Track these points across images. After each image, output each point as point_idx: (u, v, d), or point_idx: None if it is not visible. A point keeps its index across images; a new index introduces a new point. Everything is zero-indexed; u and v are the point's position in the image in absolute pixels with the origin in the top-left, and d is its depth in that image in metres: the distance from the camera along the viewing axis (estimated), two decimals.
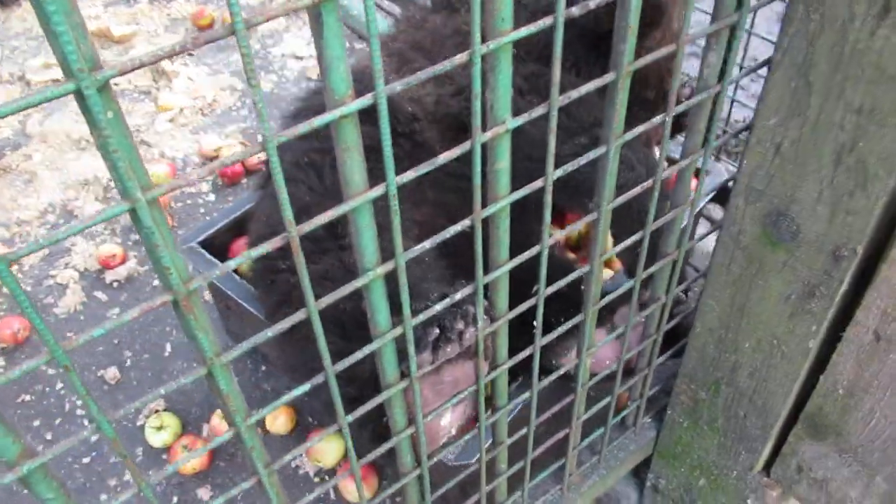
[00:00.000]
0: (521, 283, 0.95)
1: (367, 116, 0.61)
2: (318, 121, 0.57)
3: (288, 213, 0.60)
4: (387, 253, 0.71)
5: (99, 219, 0.50)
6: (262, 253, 1.18)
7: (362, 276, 0.72)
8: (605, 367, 1.24)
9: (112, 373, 1.90)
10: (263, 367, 1.92)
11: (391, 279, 0.73)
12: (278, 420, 1.75)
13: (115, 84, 2.80)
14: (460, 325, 0.88)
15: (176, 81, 2.82)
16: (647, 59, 0.77)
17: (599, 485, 1.42)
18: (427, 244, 0.73)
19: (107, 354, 1.95)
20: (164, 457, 1.73)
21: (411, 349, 0.81)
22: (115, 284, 2.12)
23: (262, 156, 2.45)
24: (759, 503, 1.31)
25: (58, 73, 2.81)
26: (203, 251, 1.72)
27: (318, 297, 0.68)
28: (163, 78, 2.84)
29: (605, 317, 1.36)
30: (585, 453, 1.42)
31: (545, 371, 1.07)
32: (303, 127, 0.56)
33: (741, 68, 1.97)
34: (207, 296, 2.10)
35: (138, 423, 1.79)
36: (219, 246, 1.79)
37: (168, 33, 3.09)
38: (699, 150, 0.98)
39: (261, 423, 1.78)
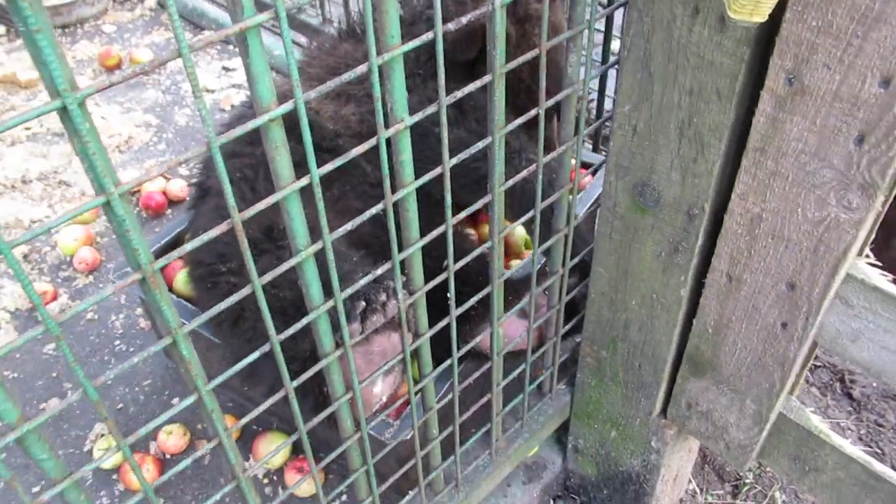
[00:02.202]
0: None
1: (292, 134, 0.74)
2: (251, 124, 0.71)
3: (231, 201, 0.73)
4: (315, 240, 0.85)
5: (76, 213, 0.63)
6: (202, 260, 1.30)
7: (295, 255, 0.85)
8: (519, 341, 1.41)
9: (53, 404, 1.94)
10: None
11: (322, 266, 0.87)
12: None
13: (27, 128, 2.83)
14: (383, 297, 1.02)
15: (97, 122, 2.86)
16: (516, 62, 0.94)
17: (524, 448, 1.58)
18: (349, 225, 0.87)
19: (46, 388, 1.99)
20: (115, 477, 1.79)
21: (342, 319, 0.95)
22: None
23: (185, 188, 2.54)
24: (659, 443, 1.49)
25: None
26: None
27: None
28: None
29: (512, 301, 1.53)
30: (509, 420, 1.58)
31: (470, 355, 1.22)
32: (238, 130, 0.70)
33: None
34: (144, 323, 2.17)
35: (85, 449, 1.84)
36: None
37: (76, 75, 3.13)
38: (572, 138, 1.16)
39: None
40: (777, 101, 0.93)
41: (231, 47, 3.25)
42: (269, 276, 0.81)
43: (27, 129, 2.83)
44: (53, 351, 2.10)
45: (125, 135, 2.81)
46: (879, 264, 1.03)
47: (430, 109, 0.88)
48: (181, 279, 1.88)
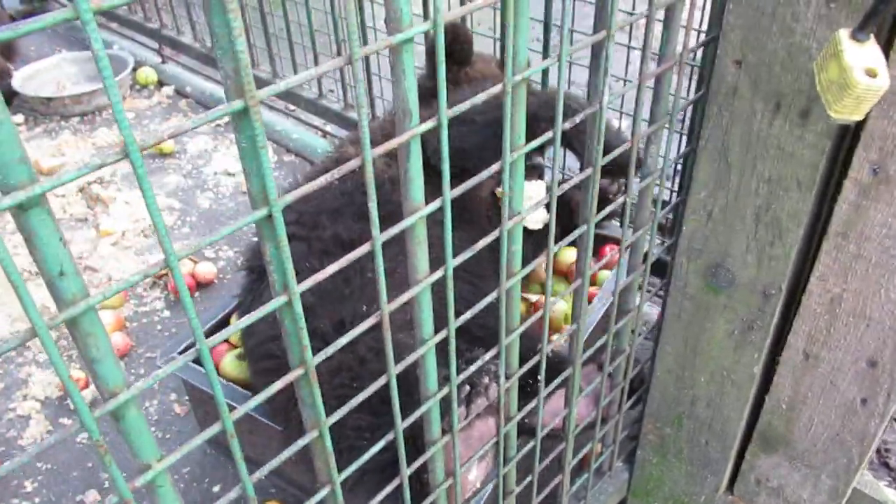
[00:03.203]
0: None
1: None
2: (404, 224, 0.75)
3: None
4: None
5: (268, 309, 0.65)
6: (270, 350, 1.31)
7: (420, 345, 0.88)
8: (581, 419, 1.42)
9: (91, 497, 1.90)
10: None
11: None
12: None
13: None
14: (486, 381, 1.05)
15: (113, 207, 2.90)
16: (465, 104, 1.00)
17: None
18: (469, 314, 0.91)
19: (82, 479, 1.96)
20: None
21: (454, 405, 0.97)
22: None
23: (213, 271, 2.56)
24: None
25: None
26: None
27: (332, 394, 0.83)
28: (98, 204, 2.92)
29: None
30: (571, 501, 1.58)
31: (524, 430, 1.23)
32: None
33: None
34: (179, 408, 2.15)
35: None
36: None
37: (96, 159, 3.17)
38: (647, 222, 1.21)
39: None
40: (861, 190, 0.99)
41: None
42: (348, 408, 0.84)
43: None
44: (87, 440, 2.06)
45: (149, 220, 2.83)
46: None
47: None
48: (228, 361, 1.88)
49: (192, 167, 3.15)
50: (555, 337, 1.98)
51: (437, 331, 0.88)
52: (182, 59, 3.77)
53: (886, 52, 0.87)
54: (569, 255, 2.19)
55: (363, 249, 0.71)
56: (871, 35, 0.83)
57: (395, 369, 0.83)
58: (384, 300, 0.77)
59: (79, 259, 2.67)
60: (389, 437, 0.89)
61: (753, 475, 1.39)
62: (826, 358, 1.16)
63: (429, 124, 0.71)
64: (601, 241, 2.20)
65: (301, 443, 0.77)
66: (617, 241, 2.23)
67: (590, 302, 1.92)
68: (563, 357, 1.61)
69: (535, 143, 0.86)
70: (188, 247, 0.59)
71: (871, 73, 0.82)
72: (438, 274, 0.83)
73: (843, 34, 0.84)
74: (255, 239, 1.88)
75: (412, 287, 0.83)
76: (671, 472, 1.53)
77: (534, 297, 2.09)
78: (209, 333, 1.90)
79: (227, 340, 1.95)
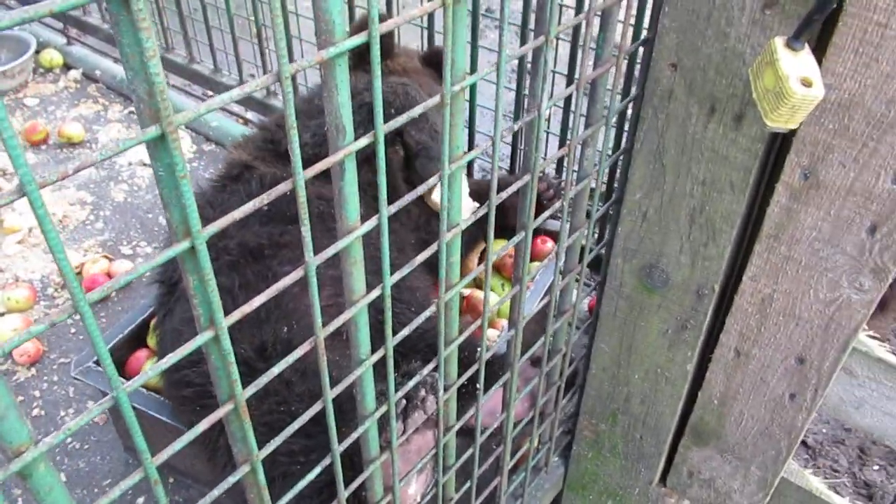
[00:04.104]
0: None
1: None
2: (340, 244, 0.70)
3: (316, 310, 0.72)
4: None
5: (189, 350, 0.60)
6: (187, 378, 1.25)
7: (357, 366, 0.84)
8: (518, 418, 1.41)
9: None
10: (171, 479, 1.90)
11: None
12: None
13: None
14: (422, 393, 1.02)
15: (18, 202, 2.71)
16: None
17: None
18: (406, 331, 0.87)
19: None
20: None
21: (393, 423, 0.93)
22: None
23: (131, 266, 2.43)
24: None
25: None
26: (100, 370, 1.71)
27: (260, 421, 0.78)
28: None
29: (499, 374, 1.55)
30: (509, 500, 1.57)
31: (462, 431, 1.21)
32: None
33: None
34: (99, 417, 2.04)
35: None
36: (115, 363, 1.78)
37: None
38: (584, 223, 1.20)
39: None
40: (792, 193, 1.00)
41: None
42: (251, 389, 0.80)
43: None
44: None
45: (59, 214, 2.67)
46: (878, 336, 1.11)
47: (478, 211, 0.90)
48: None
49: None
50: (490, 332, 1.97)
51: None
52: (89, 40, 3.56)
53: (819, 60, 0.87)
54: (498, 247, 2.18)
55: (295, 276, 0.66)
56: (805, 44, 0.83)
57: (331, 394, 0.79)
58: (318, 325, 0.72)
59: None
60: (326, 461, 0.85)
61: (686, 468, 1.42)
62: (757, 355, 1.18)
63: (364, 141, 0.67)
64: (533, 233, 2.19)
65: (232, 479, 0.72)
66: (548, 233, 2.23)
67: None
68: (498, 356, 1.60)
69: (472, 154, 0.83)
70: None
71: (807, 83, 0.82)
72: (375, 293, 0.79)
73: (779, 42, 0.84)
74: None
75: (348, 307, 0.79)
76: (606, 466, 1.54)
77: (466, 291, 2.07)
78: (128, 340, 1.81)
79: (147, 346, 1.86)
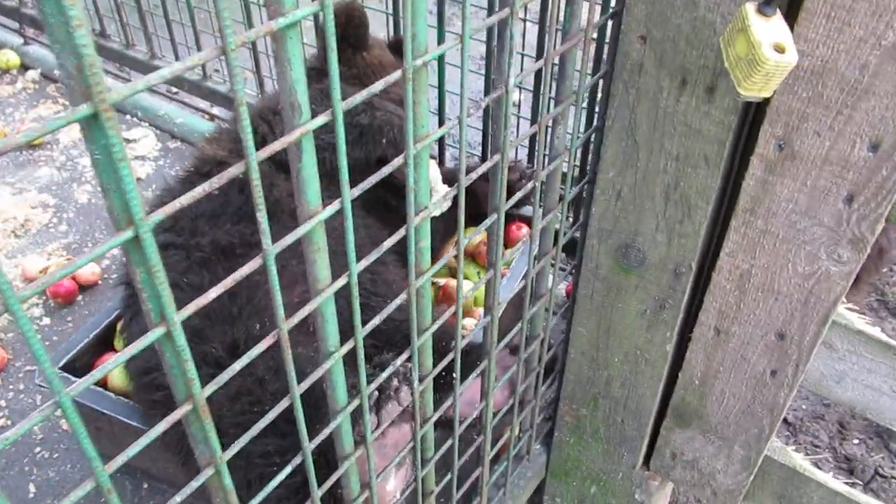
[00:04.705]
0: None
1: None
2: (300, 230, 0.67)
3: (278, 305, 0.68)
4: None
5: (139, 348, 0.56)
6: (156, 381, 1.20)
7: (326, 358, 0.80)
8: (497, 407, 1.39)
9: None
10: (146, 485, 1.85)
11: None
12: None
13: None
14: (395, 384, 0.98)
15: None
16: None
17: None
18: (377, 320, 0.84)
19: None
20: None
21: (366, 416, 0.90)
22: None
23: (96, 272, 2.37)
24: (644, 495, 1.51)
25: None
26: (68, 376, 1.66)
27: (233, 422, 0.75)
28: None
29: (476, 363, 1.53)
30: (491, 490, 1.55)
31: (440, 423, 1.18)
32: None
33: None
34: (67, 425, 1.98)
35: None
36: (81, 367, 1.73)
37: None
38: (556, 206, 1.17)
39: None
40: (767, 166, 0.98)
41: (129, 117, 3.10)
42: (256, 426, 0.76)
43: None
44: None
45: (20, 218, 2.59)
46: (856, 308, 1.10)
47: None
48: (117, 373, 1.74)
49: (66, 158, 2.90)
50: (467, 321, 1.94)
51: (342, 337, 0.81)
52: (47, 39, 3.45)
53: (790, 26, 0.85)
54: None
55: (253, 265, 0.62)
56: (777, 9, 0.81)
57: (298, 389, 0.75)
58: (281, 316, 0.69)
59: None
60: (297, 460, 0.82)
61: (668, 450, 1.40)
62: (736, 333, 1.16)
63: (321, 119, 0.63)
64: (507, 219, 2.17)
65: (195, 484, 0.68)
66: (522, 219, 2.20)
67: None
68: (475, 345, 1.57)
69: (439, 133, 0.80)
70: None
71: (780, 49, 0.79)
72: (341, 282, 0.75)
73: (750, 8, 0.81)
74: None
75: (313, 297, 0.75)
76: (588, 451, 1.52)
77: (442, 281, 2.04)
78: (93, 344, 1.76)
79: (115, 350, 1.80)
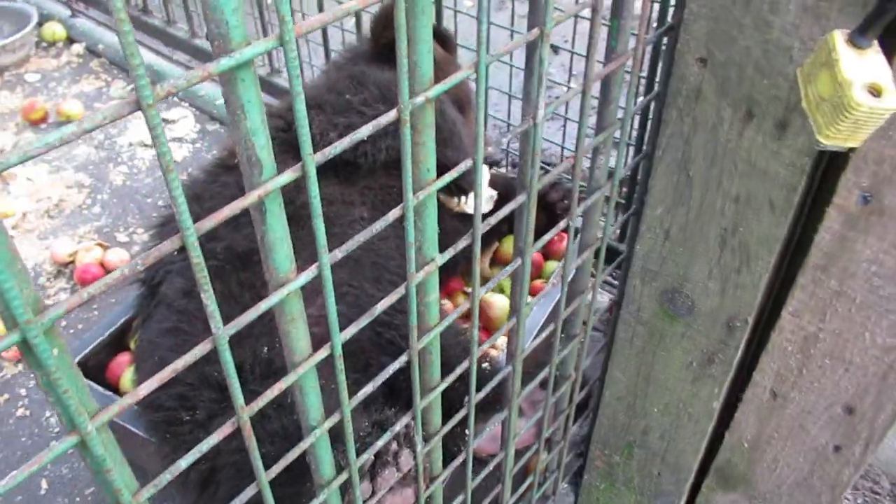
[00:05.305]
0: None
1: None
2: (265, 304, 0.55)
3: (236, 390, 0.57)
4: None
5: (49, 458, 0.46)
6: (160, 404, 1.10)
7: (308, 434, 0.69)
8: (521, 445, 1.26)
9: None
10: None
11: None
12: None
13: None
14: (394, 447, 0.87)
15: (13, 184, 2.61)
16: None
17: None
18: (369, 388, 0.72)
19: None
20: None
21: (356, 490, 0.79)
22: None
23: (125, 259, 2.31)
24: None
25: None
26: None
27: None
28: None
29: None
30: None
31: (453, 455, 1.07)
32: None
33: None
34: None
35: None
36: (94, 367, 1.66)
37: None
38: (596, 241, 1.03)
39: None
40: (847, 219, 0.82)
41: (169, 97, 3.03)
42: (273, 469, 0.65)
43: None
44: None
45: (55, 198, 2.56)
46: None
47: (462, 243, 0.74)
48: (128, 378, 1.67)
49: (105, 137, 2.86)
50: (490, 347, 1.82)
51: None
52: (94, 13, 3.42)
53: (890, 60, 0.69)
54: (508, 244, 2.02)
55: (204, 349, 0.51)
56: (875, 41, 0.65)
57: (265, 477, 0.64)
58: (239, 403, 0.57)
59: None
60: None
61: None
62: (796, 399, 1.01)
63: (288, 175, 0.51)
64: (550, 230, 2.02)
65: None
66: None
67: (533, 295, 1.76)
68: (499, 368, 1.44)
69: (448, 178, 0.67)
70: None
71: (875, 91, 0.64)
72: (322, 354, 0.64)
73: (839, 37, 0.66)
74: (157, 227, 1.64)
75: (290, 370, 0.64)
76: (619, 499, 1.39)
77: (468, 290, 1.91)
78: (109, 342, 1.69)
79: (129, 350, 1.73)
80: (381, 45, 1.86)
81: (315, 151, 0.52)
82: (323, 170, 0.59)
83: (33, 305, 0.41)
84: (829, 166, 0.85)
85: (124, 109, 0.40)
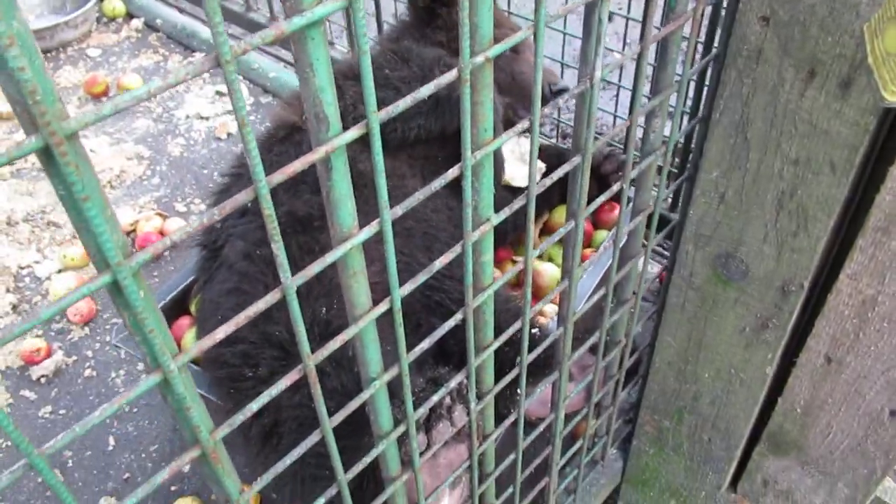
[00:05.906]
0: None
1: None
2: (330, 257, 0.57)
3: (303, 337, 0.59)
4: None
5: (135, 393, 0.49)
6: (224, 360, 1.14)
7: (368, 386, 0.72)
8: (571, 409, 1.28)
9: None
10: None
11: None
12: None
13: (11, 164, 2.66)
14: (448, 402, 0.89)
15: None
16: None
17: None
18: (425, 343, 0.74)
19: None
20: None
21: (413, 443, 0.82)
22: (42, 380, 2.01)
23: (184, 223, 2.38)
24: None
25: None
26: None
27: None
28: None
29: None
30: (561, 495, 1.45)
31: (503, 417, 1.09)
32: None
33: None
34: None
35: None
36: None
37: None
38: (648, 206, 1.03)
39: None
40: None
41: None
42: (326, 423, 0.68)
43: (11, 164, 2.65)
44: (50, 415, 1.94)
45: (116, 169, 2.64)
46: None
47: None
48: (189, 339, 1.74)
49: (163, 110, 2.94)
50: (549, 307, 1.83)
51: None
52: None
53: None
54: (561, 214, 2.01)
55: (274, 297, 0.54)
56: None
57: (329, 423, 0.67)
58: (306, 352, 0.60)
59: (41, 213, 2.50)
60: (332, 491, 0.74)
61: (760, 476, 1.26)
62: (852, 364, 1.00)
63: (353, 132, 0.53)
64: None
65: None
66: (618, 199, 2.05)
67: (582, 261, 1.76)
68: (549, 333, 1.46)
69: (506, 136, 0.68)
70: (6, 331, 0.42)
71: None
72: (382, 308, 0.66)
73: None
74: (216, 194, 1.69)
75: (351, 323, 0.66)
76: (669, 464, 1.40)
77: (520, 260, 1.92)
78: (168, 308, 1.75)
79: (189, 313, 1.80)
80: (418, 8, 1.87)
81: (344, 123, 0.53)
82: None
83: (123, 249, 0.44)
84: (894, 126, 0.83)
85: (205, 65, 0.42)
